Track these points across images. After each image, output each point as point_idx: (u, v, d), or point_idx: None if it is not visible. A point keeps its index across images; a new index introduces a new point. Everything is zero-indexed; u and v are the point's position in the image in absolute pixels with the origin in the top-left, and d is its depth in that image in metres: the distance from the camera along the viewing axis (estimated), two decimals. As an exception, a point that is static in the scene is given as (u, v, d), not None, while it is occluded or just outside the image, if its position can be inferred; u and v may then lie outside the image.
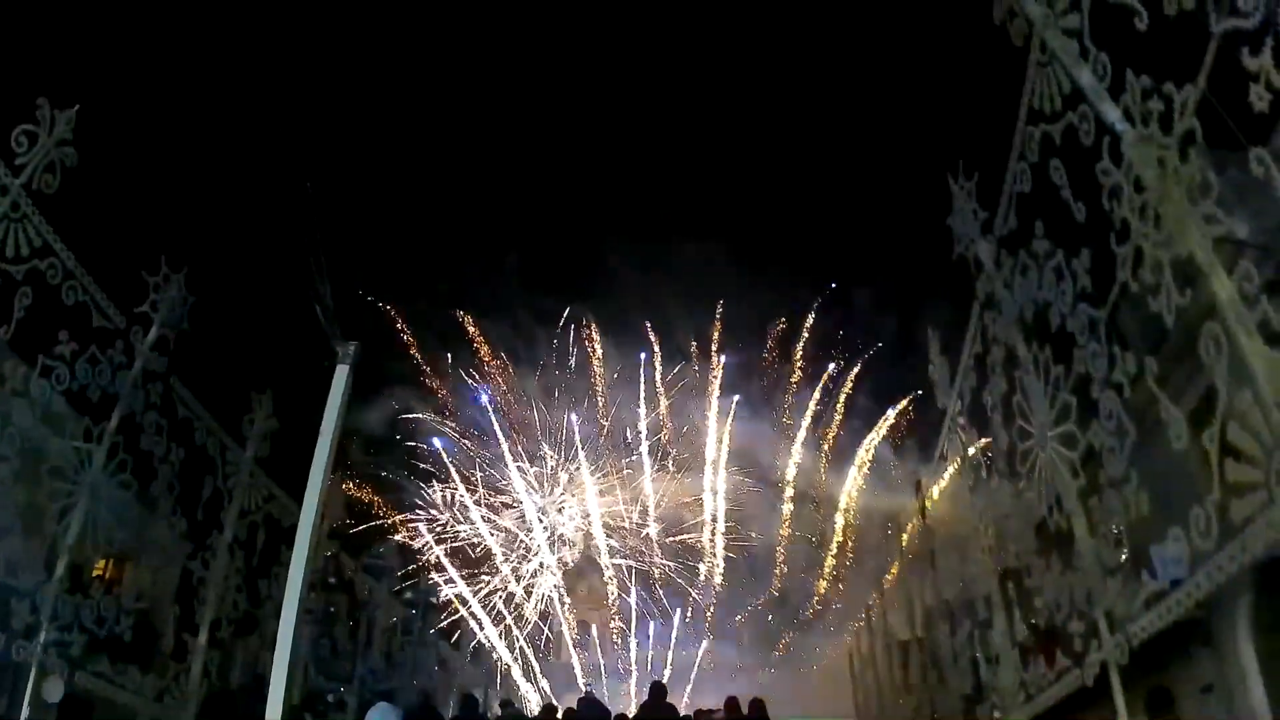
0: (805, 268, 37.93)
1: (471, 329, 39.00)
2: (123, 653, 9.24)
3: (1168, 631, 6.16)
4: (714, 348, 39.20)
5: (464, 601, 35.89)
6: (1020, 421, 7.60)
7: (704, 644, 36.93)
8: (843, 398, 38.42)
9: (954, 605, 10.73)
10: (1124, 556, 6.39)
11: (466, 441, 38.49)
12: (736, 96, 37.82)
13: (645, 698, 12.10)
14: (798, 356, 39.14)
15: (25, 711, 7.98)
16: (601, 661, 37.13)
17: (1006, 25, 6.91)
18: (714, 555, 37.80)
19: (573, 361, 39.47)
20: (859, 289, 36.50)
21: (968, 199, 8.83)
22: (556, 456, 38.59)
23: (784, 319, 39.24)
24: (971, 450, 9.54)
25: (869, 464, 36.30)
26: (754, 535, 37.98)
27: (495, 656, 35.72)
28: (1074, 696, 7.52)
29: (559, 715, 13.29)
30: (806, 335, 39.15)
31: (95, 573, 9.63)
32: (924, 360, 10.57)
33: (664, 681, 12.15)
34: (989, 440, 8.77)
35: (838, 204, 35.21)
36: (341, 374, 8.88)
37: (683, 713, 13.10)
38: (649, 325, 39.02)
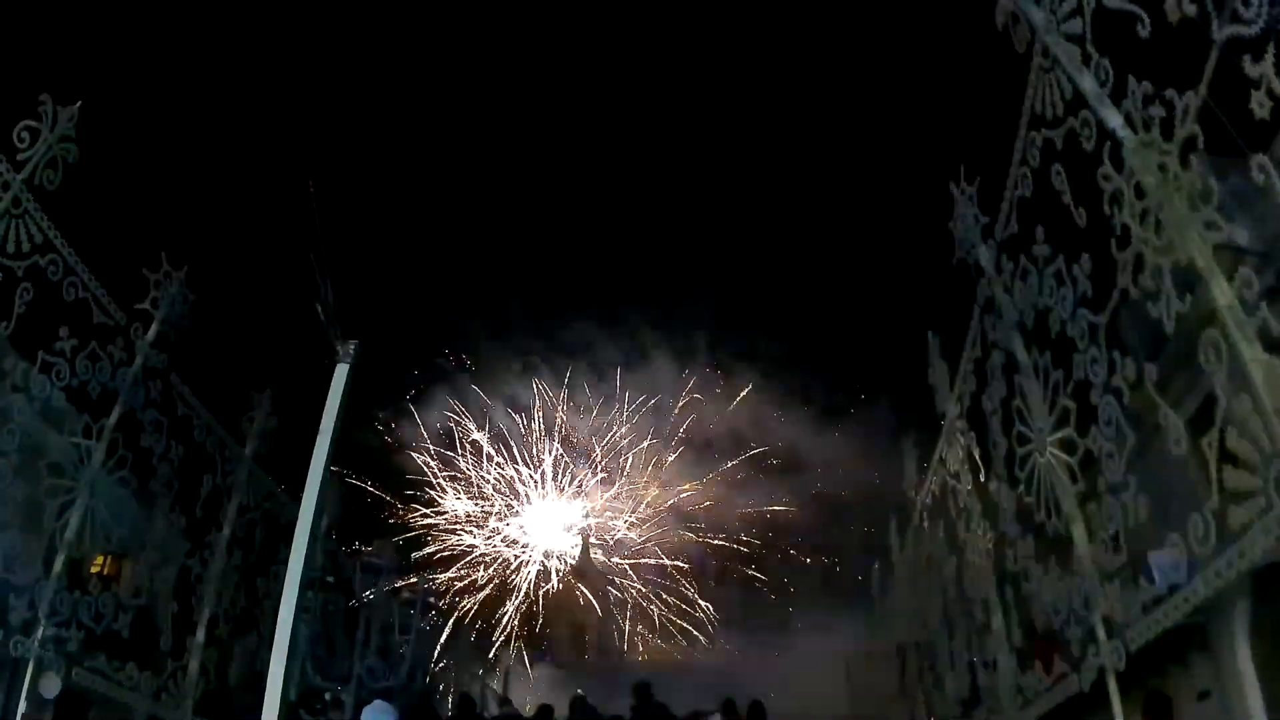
0: (806, 273, 38.02)
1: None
2: (120, 649, 9.22)
3: (1165, 637, 6.16)
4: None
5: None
6: (1019, 426, 7.60)
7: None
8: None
9: (951, 609, 10.71)
10: (1122, 562, 6.38)
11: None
12: (743, 100, 38.08)
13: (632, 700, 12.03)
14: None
15: (22, 707, 7.98)
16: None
17: (1009, 30, 6.91)
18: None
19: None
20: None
21: (969, 203, 8.84)
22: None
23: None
24: (971, 454, 9.54)
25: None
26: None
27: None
28: (1071, 701, 7.53)
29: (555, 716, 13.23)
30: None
31: (94, 569, 9.61)
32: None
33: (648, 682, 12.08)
34: (988, 444, 8.76)
35: (839, 209, 35.31)
36: (341, 373, 8.90)
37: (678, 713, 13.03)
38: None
